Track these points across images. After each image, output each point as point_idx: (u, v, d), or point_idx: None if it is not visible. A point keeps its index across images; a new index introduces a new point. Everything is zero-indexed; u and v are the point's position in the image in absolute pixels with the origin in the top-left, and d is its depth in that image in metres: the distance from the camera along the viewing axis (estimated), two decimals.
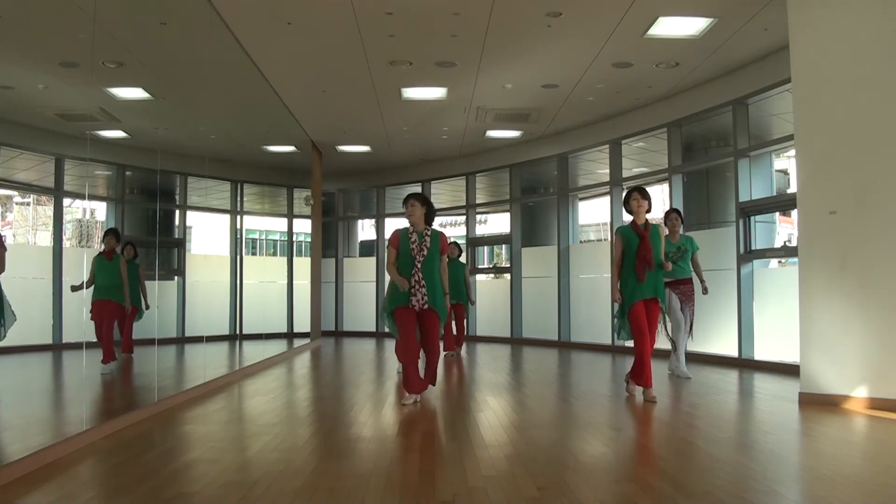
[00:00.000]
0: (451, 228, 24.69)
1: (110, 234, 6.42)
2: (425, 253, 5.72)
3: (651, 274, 5.79)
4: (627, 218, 6.20)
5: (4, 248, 4.53)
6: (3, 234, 4.78)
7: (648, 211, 5.94)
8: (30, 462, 3.55)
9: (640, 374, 5.78)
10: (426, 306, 5.69)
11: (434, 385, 6.05)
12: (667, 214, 7.52)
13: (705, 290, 7.25)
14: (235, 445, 4.38)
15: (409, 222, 5.87)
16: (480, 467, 3.59)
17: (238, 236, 9.68)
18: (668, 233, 7.05)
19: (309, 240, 13.00)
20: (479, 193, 13.79)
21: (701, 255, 9.30)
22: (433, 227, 5.95)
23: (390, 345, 11.01)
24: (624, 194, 6.23)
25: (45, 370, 4.79)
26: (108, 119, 6.00)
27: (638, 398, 5.83)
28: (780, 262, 8.65)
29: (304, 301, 12.17)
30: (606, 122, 10.59)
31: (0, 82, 4.78)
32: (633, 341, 5.88)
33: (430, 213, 5.90)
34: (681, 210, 8.06)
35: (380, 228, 14.81)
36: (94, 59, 5.04)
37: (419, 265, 5.69)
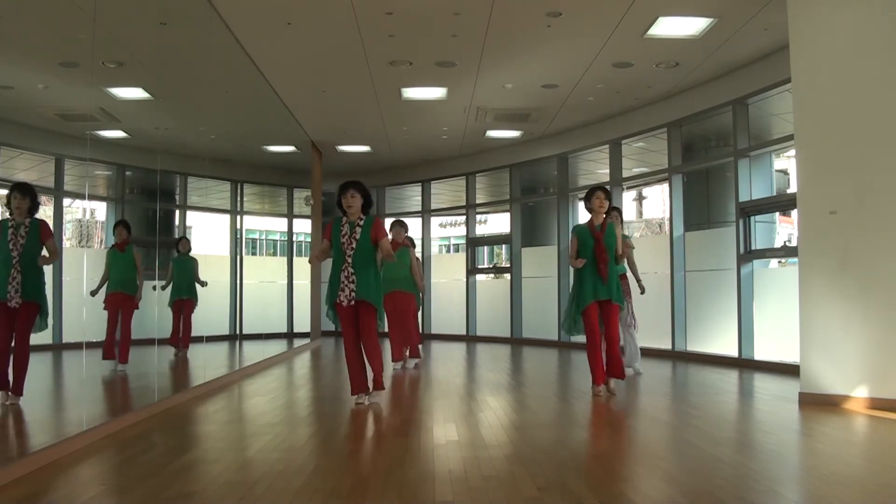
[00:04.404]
0: (452, 228, 24.69)
1: (121, 225, 6.41)
2: (354, 246, 5.38)
3: (608, 274, 5.89)
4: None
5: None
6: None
7: (608, 212, 6.07)
8: (30, 462, 3.55)
9: (594, 372, 5.94)
10: (353, 301, 5.37)
11: (382, 389, 5.65)
12: (607, 213, 7.38)
13: (642, 290, 7.27)
14: (235, 445, 4.38)
15: (346, 213, 5.53)
16: (480, 467, 3.59)
17: (238, 236, 9.68)
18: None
19: (309, 240, 13.00)
20: (479, 193, 13.79)
21: (701, 256, 9.36)
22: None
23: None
24: (586, 192, 6.20)
25: (46, 370, 4.79)
26: (108, 119, 6.00)
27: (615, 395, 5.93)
28: (780, 262, 8.65)
29: (304, 301, 12.17)
30: (606, 122, 10.59)
31: (0, 82, 4.78)
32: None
33: (368, 203, 5.57)
34: (621, 209, 7.94)
35: None
36: (94, 59, 5.04)
37: (349, 259, 5.37)
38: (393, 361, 8.07)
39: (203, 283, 7.75)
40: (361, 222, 5.45)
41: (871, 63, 5.46)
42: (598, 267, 5.89)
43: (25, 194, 4.75)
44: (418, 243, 14.77)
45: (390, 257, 5.40)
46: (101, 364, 6.01)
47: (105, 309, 6.09)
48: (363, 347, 5.51)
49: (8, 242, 4.67)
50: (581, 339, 8.09)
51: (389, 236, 6.00)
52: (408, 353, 8.36)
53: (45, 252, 4.71)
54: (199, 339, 7.84)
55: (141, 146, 6.52)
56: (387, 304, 7.12)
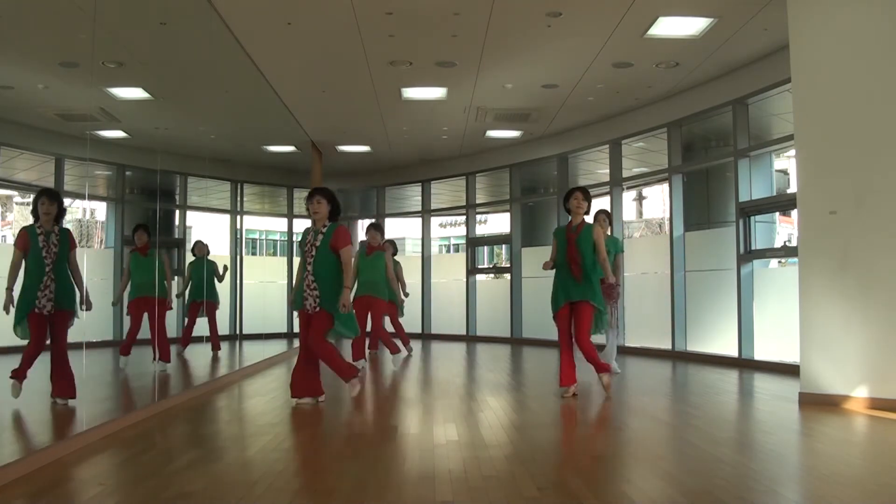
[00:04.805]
0: (452, 228, 24.69)
1: (141, 229, 6.36)
2: (314, 253, 5.29)
3: (582, 276, 5.78)
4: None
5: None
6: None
7: (587, 213, 5.95)
8: (30, 462, 3.55)
9: (560, 374, 5.95)
10: (318, 309, 5.30)
11: (357, 373, 5.42)
12: (595, 215, 7.18)
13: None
14: (235, 445, 4.38)
15: (313, 220, 5.41)
16: (480, 467, 3.59)
17: (238, 236, 9.69)
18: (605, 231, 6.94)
19: None
20: (479, 193, 13.78)
21: (701, 256, 9.36)
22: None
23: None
24: (565, 193, 6.11)
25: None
26: (108, 119, 6.01)
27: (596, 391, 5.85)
28: (780, 262, 8.65)
29: None
30: (606, 122, 10.59)
31: (0, 82, 4.78)
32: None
33: (335, 210, 5.44)
34: (610, 212, 7.83)
35: None
36: (94, 59, 5.05)
37: (310, 267, 5.30)
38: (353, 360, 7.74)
39: (225, 270, 7.83)
40: (325, 229, 5.34)
41: (871, 63, 5.46)
42: (571, 268, 5.80)
43: (53, 200, 4.71)
44: (418, 244, 14.80)
45: (346, 270, 5.27)
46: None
47: (128, 314, 6.08)
48: (313, 350, 5.40)
49: (41, 250, 4.62)
50: None
51: (369, 242, 5.79)
52: (367, 349, 8.46)
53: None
54: (199, 339, 7.85)
55: (141, 146, 6.53)
56: (357, 307, 7.19)
